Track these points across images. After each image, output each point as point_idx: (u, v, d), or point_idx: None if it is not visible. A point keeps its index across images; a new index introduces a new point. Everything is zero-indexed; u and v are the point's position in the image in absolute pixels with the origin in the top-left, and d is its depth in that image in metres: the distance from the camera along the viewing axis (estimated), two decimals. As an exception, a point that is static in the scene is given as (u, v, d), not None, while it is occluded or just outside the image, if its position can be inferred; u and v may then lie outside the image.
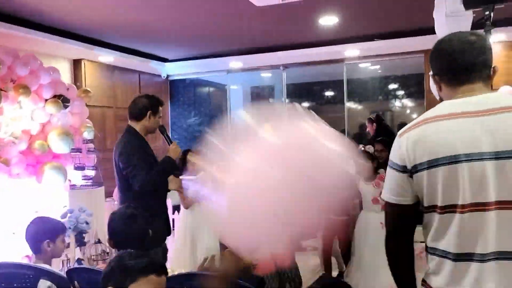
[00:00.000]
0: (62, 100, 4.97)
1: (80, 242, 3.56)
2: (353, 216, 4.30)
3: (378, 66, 7.74)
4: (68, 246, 3.45)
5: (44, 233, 2.44)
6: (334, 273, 4.57)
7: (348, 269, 4.28)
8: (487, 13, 2.56)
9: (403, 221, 1.53)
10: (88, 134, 5.08)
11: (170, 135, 3.54)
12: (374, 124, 6.16)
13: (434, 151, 1.39)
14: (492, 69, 1.48)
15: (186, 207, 4.24)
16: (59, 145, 4.93)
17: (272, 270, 3.64)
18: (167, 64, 7.45)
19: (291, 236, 1.28)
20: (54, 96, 4.97)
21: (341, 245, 4.51)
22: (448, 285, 1.41)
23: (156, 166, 3.13)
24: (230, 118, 7.97)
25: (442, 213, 1.41)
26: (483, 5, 2.57)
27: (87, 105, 5.55)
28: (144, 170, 3.02)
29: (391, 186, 1.51)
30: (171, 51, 6.98)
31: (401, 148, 1.46)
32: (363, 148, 4.60)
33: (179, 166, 4.22)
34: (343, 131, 7.59)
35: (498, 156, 1.33)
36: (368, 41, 6.23)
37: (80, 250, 3.65)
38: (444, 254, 1.42)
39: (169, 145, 3.31)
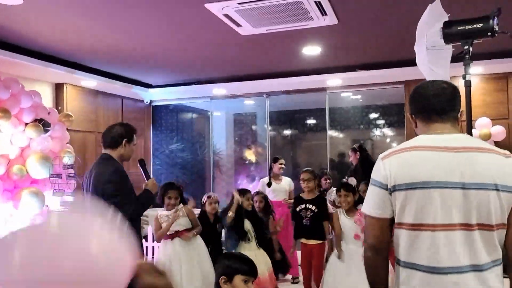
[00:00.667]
0: (42, 124, 4.91)
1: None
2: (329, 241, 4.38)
3: (359, 96, 7.87)
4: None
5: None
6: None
7: None
8: (466, 47, 2.63)
9: (383, 234, 1.71)
10: (68, 159, 5.00)
11: (152, 162, 3.53)
12: (358, 153, 6.15)
13: (413, 175, 1.62)
14: (460, 112, 1.75)
15: (158, 240, 4.20)
16: (38, 170, 4.84)
17: None
18: (150, 89, 7.44)
19: None
20: (35, 120, 4.91)
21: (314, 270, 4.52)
22: None
23: (138, 197, 3.13)
24: (212, 144, 7.95)
25: (412, 230, 1.63)
26: (462, 40, 2.64)
27: (68, 130, 5.49)
28: (133, 200, 3.01)
29: (374, 201, 1.71)
30: (155, 77, 6.99)
31: (385, 170, 1.68)
32: (345, 180, 4.63)
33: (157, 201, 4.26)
34: (324, 160, 7.65)
35: (464, 186, 1.58)
36: (350, 71, 6.35)
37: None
38: (414, 267, 1.63)
39: (147, 179, 3.29)
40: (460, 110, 1.75)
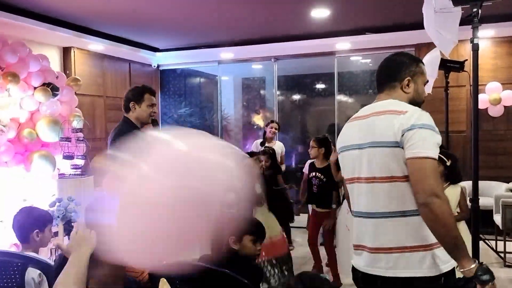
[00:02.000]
0: (51, 88, 4.94)
1: (68, 231, 3.57)
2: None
3: (369, 60, 7.77)
4: (56, 235, 3.45)
5: (32, 223, 2.43)
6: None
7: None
8: (475, 10, 2.58)
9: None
10: (77, 123, 5.06)
11: (160, 126, 3.56)
12: None
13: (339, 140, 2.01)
14: (404, 80, 1.92)
15: None
16: (47, 134, 4.91)
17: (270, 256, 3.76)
18: (157, 53, 7.41)
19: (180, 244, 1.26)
20: (43, 84, 4.94)
21: (325, 237, 4.61)
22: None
23: None
24: (220, 109, 7.96)
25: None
26: (472, 2, 2.58)
27: (76, 94, 5.52)
28: None
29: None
30: (162, 41, 6.94)
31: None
32: None
33: None
34: (333, 125, 7.64)
35: (360, 147, 1.85)
36: (359, 34, 6.25)
37: (69, 239, 3.65)
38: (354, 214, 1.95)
39: None
40: (406, 78, 1.91)
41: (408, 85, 1.91)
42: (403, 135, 1.70)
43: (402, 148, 1.70)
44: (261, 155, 4.81)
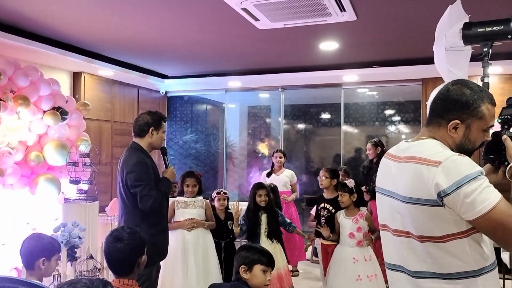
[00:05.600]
0: (60, 112, 4.97)
1: (72, 257, 3.53)
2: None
3: (375, 92, 7.82)
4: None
5: (41, 251, 2.41)
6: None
7: None
8: (485, 49, 2.61)
9: None
10: (84, 148, 5.07)
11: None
12: (379, 148, 5.89)
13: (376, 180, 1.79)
14: (450, 122, 1.59)
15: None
16: (55, 157, 4.92)
17: None
18: (166, 80, 7.49)
19: None
20: (53, 108, 4.98)
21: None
22: None
23: (158, 186, 3.16)
24: (225, 137, 7.99)
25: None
26: (482, 42, 2.61)
27: (84, 118, 5.56)
28: (153, 190, 3.05)
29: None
30: (171, 68, 7.03)
31: None
32: (344, 180, 4.52)
33: (177, 189, 4.43)
34: (338, 155, 7.63)
35: (391, 195, 1.64)
36: (366, 67, 6.31)
37: (71, 265, 3.62)
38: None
39: (166, 167, 3.35)
40: (454, 119, 1.58)
41: (455, 128, 1.59)
42: (441, 197, 1.45)
43: (440, 206, 1.47)
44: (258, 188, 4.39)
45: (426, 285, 1.54)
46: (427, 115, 1.69)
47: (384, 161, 1.74)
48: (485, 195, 1.42)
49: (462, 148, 1.59)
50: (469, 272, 1.49)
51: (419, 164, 1.52)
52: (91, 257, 3.59)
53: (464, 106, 1.57)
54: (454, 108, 1.58)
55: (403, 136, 8.15)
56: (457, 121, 1.57)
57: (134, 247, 2.12)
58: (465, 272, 1.49)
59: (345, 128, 7.62)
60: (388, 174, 1.66)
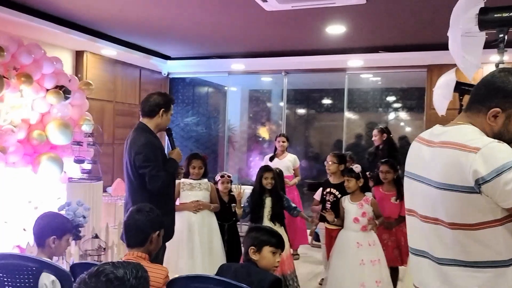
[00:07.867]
0: (63, 91, 4.92)
1: (76, 236, 3.52)
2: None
3: (379, 78, 7.77)
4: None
5: (52, 229, 2.40)
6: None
7: (324, 281, 4.34)
8: (501, 35, 2.58)
9: None
10: (87, 127, 5.04)
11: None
12: (385, 134, 5.82)
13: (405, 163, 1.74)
14: (490, 110, 1.52)
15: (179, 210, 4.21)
16: (57, 137, 4.88)
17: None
18: (168, 61, 7.42)
19: None
20: (56, 87, 4.93)
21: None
22: None
23: (166, 167, 3.15)
24: (226, 120, 7.95)
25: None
26: (498, 28, 2.58)
27: (87, 98, 5.51)
28: (162, 171, 3.03)
29: None
30: (174, 49, 6.96)
31: None
32: (351, 166, 4.47)
33: (183, 170, 4.41)
34: (340, 141, 7.61)
35: (422, 180, 1.60)
36: (372, 52, 6.26)
37: (76, 244, 3.61)
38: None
39: (172, 148, 3.32)
40: (495, 107, 1.51)
41: (494, 116, 1.53)
42: (479, 185, 1.41)
43: (476, 193, 1.43)
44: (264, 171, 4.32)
45: (452, 273, 1.52)
46: (469, 97, 1.61)
47: (415, 145, 1.69)
48: None
49: (499, 138, 1.52)
50: (499, 262, 1.47)
51: (456, 150, 1.48)
52: (96, 236, 3.59)
53: (508, 94, 1.51)
54: (497, 96, 1.52)
55: (404, 124, 8.14)
56: (498, 109, 1.51)
57: (150, 220, 2.29)
58: (494, 262, 1.47)
59: (347, 114, 7.59)
60: (420, 159, 1.62)
